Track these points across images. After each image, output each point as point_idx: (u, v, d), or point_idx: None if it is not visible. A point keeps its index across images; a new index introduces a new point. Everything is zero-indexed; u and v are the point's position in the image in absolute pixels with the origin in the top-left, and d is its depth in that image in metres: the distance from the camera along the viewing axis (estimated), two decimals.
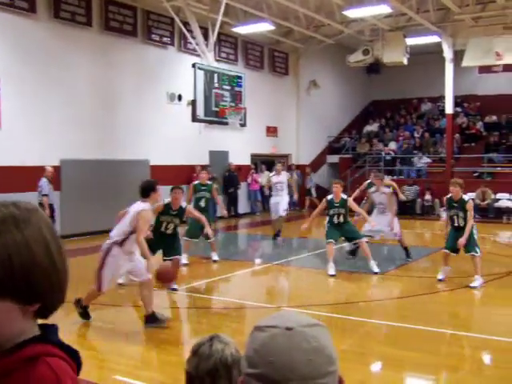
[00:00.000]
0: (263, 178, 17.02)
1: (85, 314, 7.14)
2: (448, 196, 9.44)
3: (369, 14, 17.93)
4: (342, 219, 10.42)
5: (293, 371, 1.05)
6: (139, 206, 7.07)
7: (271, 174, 14.85)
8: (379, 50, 20.36)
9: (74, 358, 1.26)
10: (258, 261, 11.51)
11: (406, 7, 17.68)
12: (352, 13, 17.50)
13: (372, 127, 26.17)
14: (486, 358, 6.33)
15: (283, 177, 14.40)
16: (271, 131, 22.54)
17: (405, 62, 20.08)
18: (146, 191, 7.20)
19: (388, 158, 23.41)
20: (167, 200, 9.06)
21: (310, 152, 24.54)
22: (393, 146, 23.97)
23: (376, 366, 6.16)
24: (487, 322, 7.57)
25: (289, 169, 22.91)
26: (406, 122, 25.99)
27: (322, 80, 24.70)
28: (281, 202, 14.20)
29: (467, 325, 7.50)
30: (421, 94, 26.49)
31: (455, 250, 9.26)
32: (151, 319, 6.85)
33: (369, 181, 12.23)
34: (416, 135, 24.35)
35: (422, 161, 22.41)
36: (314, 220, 11.23)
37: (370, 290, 9.78)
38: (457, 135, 22.82)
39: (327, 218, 10.60)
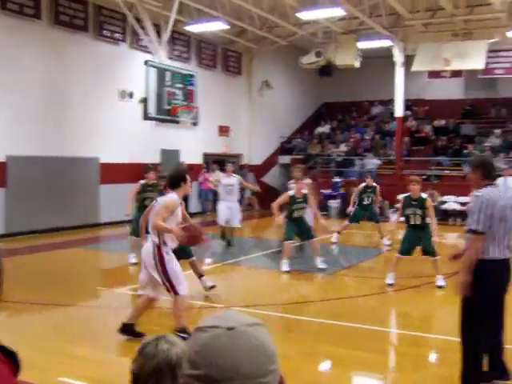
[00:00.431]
0: (214, 177, 16.35)
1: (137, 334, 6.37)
2: (406, 194, 9.46)
3: (322, 17, 18.07)
4: (302, 213, 10.63)
5: (235, 371, 1.05)
6: (167, 196, 6.45)
7: (221, 175, 13.79)
8: (332, 53, 20.56)
9: (12, 359, 1.23)
10: (207, 261, 11.42)
11: (359, 11, 17.90)
12: (305, 15, 17.59)
13: (323, 129, 26.41)
14: (433, 357, 6.44)
15: (234, 179, 13.13)
16: (223, 131, 22.49)
17: (357, 65, 20.33)
18: (176, 182, 6.39)
19: (339, 159, 23.66)
20: None
21: (261, 152, 24.61)
22: (343, 147, 24.23)
23: (324, 366, 6.18)
24: (434, 321, 7.71)
25: (241, 169, 22.95)
26: (357, 125, 26.33)
27: (275, 81, 24.80)
28: (233, 210, 12.95)
29: (415, 324, 7.61)
30: (372, 97, 26.87)
31: (410, 253, 9.34)
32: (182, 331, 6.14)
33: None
34: (367, 137, 24.71)
35: (373, 162, 22.71)
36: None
37: (320, 289, 9.84)
38: (406, 138, 23.25)
39: (285, 213, 10.71)
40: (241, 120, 23.55)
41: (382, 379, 5.77)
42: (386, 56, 21.34)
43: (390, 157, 22.85)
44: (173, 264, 6.23)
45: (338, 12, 17.01)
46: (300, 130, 27.10)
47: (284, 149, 25.80)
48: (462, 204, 19.60)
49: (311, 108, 28.60)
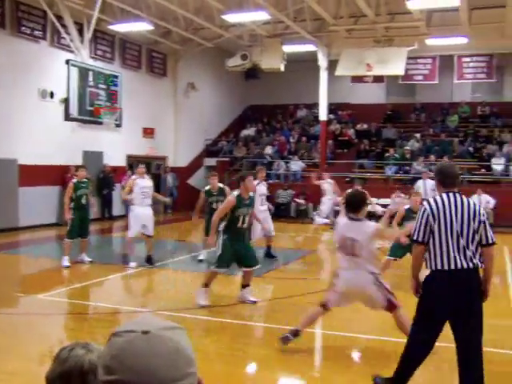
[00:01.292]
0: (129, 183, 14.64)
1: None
2: (407, 207, 9.39)
3: (247, 20, 18.15)
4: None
5: (152, 375, 1.04)
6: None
7: (134, 177, 11.78)
8: (257, 56, 20.67)
9: None
10: (132, 264, 11.20)
11: (284, 15, 18.06)
12: (231, 17, 17.61)
13: (249, 131, 26.51)
14: (355, 355, 6.53)
15: (150, 182, 11.95)
16: (148, 133, 22.16)
17: (282, 68, 20.52)
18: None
19: (265, 161, 23.78)
20: None
21: (187, 154, 24.42)
22: (269, 150, 24.39)
23: (248, 368, 6.16)
24: (356, 322, 7.82)
25: (165, 171, 22.74)
26: (283, 128, 26.59)
27: (201, 83, 24.68)
28: (149, 217, 11.57)
29: (338, 325, 7.69)
30: (297, 101, 27.21)
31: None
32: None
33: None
34: (292, 140, 24.99)
35: (297, 164, 22.97)
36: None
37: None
38: (330, 141, 23.67)
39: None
40: (166, 122, 23.29)
41: (305, 379, 5.79)
42: (310, 60, 21.65)
43: (314, 159, 23.18)
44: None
45: (262, 16, 17.13)
46: (226, 132, 27.10)
47: (210, 151, 25.71)
48: (384, 206, 20.10)
49: (237, 110, 28.65)
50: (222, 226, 8.07)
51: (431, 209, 4.59)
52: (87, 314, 8.09)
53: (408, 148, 22.16)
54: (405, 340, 5.01)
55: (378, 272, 6.05)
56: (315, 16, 18.93)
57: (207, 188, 11.61)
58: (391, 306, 5.90)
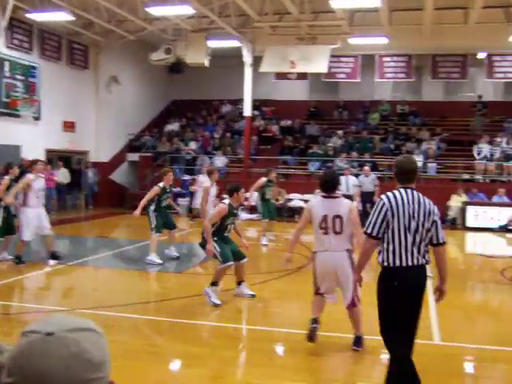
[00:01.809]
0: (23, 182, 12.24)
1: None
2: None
3: (171, 13, 17.92)
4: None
5: (44, 379, 0.99)
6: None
7: (31, 177, 10.63)
8: (182, 50, 20.48)
9: None
10: (51, 262, 10.84)
11: (208, 10, 17.96)
12: (154, 10, 17.34)
13: (173, 126, 26.22)
14: (280, 350, 6.56)
15: (43, 181, 11.12)
16: (68, 126, 21.50)
17: (206, 63, 20.41)
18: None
19: (188, 157, 23.62)
20: None
21: (109, 149, 23.88)
22: (193, 145, 24.23)
23: (172, 365, 6.08)
24: (278, 316, 7.86)
25: (86, 167, 22.16)
26: (207, 123, 26.46)
27: (124, 76, 24.19)
28: (43, 217, 10.85)
29: (262, 320, 7.71)
30: (222, 96, 27.15)
31: None
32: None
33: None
34: (216, 136, 24.92)
35: (220, 159, 22.92)
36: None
37: (168, 288, 9.69)
38: (254, 137, 23.75)
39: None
40: (87, 115, 22.68)
41: (233, 375, 5.76)
42: (235, 56, 21.63)
43: (238, 155, 23.20)
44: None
45: (186, 10, 16.96)
46: (149, 127, 26.68)
47: (132, 146, 25.25)
48: (306, 201, 20.38)
49: (160, 105, 28.29)
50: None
51: (390, 204, 4.51)
52: (3, 314, 7.77)
53: (331, 145, 22.53)
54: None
55: (351, 248, 6.02)
56: (240, 12, 18.94)
57: (162, 185, 11.12)
58: (353, 304, 5.98)
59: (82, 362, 1.02)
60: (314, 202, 6.23)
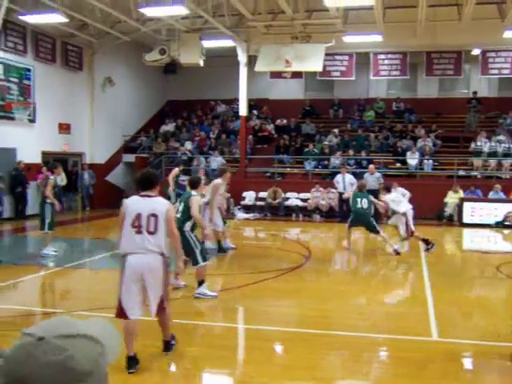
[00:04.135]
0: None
1: None
2: None
3: (165, 14, 17.89)
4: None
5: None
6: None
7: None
8: (176, 51, 20.43)
9: None
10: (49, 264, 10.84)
11: (202, 10, 17.93)
12: (148, 11, 17.31)
13: (168, 127, 26.19)
14: (276, 348, 6.56)
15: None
16: (64, 128, 21.45)
17: (201, 63, 20.38)
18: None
19: (184, 157, 23.59)
20: None
21: (105, 151, 23.84)
22: (189, 145, 24.21)
23: (172, 365, 6.07)
24: (275, 315, 7.86)
25: (83, 168, 22.13)
26: (203, 123, 26.43)
27: (118, 77, 24.16)
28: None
29: (256, 318, 7.71)
30: (217, 96, 27.12)
31: None
32: None
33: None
34: (212, 136, 24.89)
35: (217, 160, 22.91)
36: None
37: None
38: (250, 137, 23.75)
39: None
40: (82, 117, 22.64)
41: (229, 375, 5.76)
42: (230, 56, 21.63)
43: (234, 155, 23.19)
44: None
45: (181, 10, 16.92)
46: (144, 128, 26.64)
47: (128, 147, 25.22)
48: (303, 200, 20.41)
49: (156, 106, 28.25)
50: (187, 226, 8.28)
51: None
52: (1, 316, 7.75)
53: (327, 143, 22.53)
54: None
55: (168, 255, 5.59)
56: (234, 11, 18.93)
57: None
58: (162, 307, 5.60)
59: (64, 370, 1.01)
60: (129, 200, 5.71)
